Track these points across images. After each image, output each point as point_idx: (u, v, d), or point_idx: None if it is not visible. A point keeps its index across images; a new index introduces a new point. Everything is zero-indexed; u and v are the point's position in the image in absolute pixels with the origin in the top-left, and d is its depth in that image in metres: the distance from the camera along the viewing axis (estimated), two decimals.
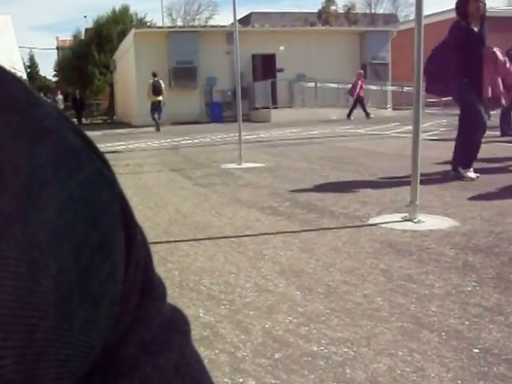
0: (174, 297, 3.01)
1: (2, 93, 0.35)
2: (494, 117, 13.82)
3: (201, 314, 2.82)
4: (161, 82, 20.92)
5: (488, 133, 13.25)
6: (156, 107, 20.88)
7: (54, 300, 0.32)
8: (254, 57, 27.34)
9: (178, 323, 0.49)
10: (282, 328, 2.62)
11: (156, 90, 20.77)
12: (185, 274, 3.44)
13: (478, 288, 3.05)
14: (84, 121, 33.74)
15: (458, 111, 7.26)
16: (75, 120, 30.86)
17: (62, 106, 32.35)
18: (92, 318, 0.35)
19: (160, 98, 20.71)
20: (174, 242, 4.13)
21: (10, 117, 0.34)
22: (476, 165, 6.97)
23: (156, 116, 20.79)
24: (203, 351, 2.41)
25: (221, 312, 2.85)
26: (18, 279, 0.30)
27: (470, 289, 3.04)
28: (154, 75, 20.94)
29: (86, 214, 0.35)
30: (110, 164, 0.42)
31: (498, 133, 12.18)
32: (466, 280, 3.18)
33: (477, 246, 3.83)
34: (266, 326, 2.66)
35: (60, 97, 34.16)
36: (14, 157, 0.33)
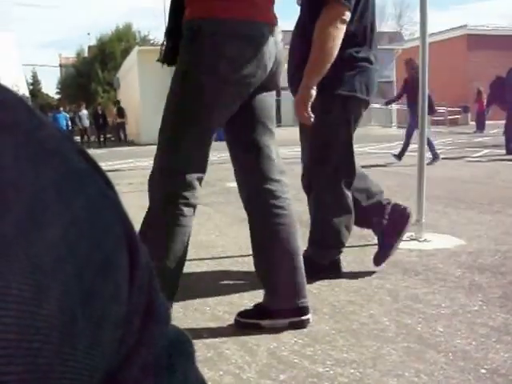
0: (177, 317, 2.99)
1: (5, 114, 0.35)
2: (500, 136, 13.84)
3: (205, 335, 2.80)
4: (123, 108, 28.95)
5: (492, 151, 13.30)
6: (121, 127, 29.35)
7: (58, 323, 0.32)
8: None
9: (181, 346, 0.50)
10: (287, 349, 2.60)
11: (120, 113, 29.32)
12: (189, 295, 3.43)
13: (484, 307, 3.02)
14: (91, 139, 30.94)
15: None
16: (97, 139, 29.78)
17: (86, 122, 29.86)
18: (95, 341, 0.35)
19: (124, 119, 29.34)
20: None
21: (13, 139, 0.34)
22: (480, 184, 6.94)
23: (121, 133, 29.45)
24: (207, 372, 2.39)
25: (225, 332, 2.84)
26: (21, 303, 0.30)
27: (476, 308, 3.02)
28: (118, 102, 29.57)
29: (89, 236, 0.35)
30: (114, 183, 0.42)
31: (504, 151, 12.19)
32: (473, 299, 3.15)
33: (483, 265, 3.81)
34: (271, 346, 2.64)
35: (84, 112, 29.99)
36: (17, 179, 0.32)
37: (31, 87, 58.19)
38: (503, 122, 13.35)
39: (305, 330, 2.82)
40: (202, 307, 3.21)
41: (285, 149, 14.81)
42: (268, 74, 2.68)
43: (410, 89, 10.69)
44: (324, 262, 3.67)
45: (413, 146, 9.87)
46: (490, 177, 8.71)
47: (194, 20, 2.55)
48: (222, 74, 2.53)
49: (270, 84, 2.76)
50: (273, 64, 2.67)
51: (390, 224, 3.69)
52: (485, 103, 21.41)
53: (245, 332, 2.82)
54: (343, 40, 3.23)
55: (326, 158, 3.56)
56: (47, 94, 69.13)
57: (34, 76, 69.49)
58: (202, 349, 2.62)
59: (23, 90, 20.50)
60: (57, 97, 59.25)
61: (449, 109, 30.45)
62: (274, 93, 2.85)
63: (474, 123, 26.21)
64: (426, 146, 4.64)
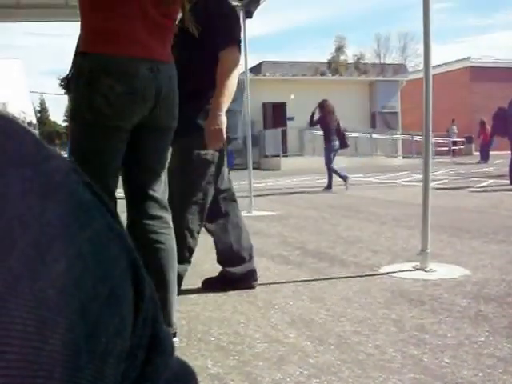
0: (181, 347, 2.98)
1: (13, 147, 0.35)
2: (504, 166, 13.86)
3: (209, 365, 2.78)
4: None
5: (496, 181, 13.30)
6: None
7: (62, 358, 0.31)
8: (264, 105, 27.61)
9: (185, 378, 0.49)
10: (292, 380, 2.58)
11: None
12: (193, 324, 3.41)
13: (491, 338, 3.00)
14: None
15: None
16: None
17: None
18: (99, 375, 0.34)
19: None
20: (183, 290, 4.11)
21: (21, 171, 0.34)
22: (484, 214, 6.92)
23: None
24: None
25: (229, 363, 2.82)
26: (25, 339, 0.30)
27: (482, 339, 2.99)
28: None
29: (94, 270, 0.35)
30: (120, 215, 0.42)
31: (508, 181, 12.19)
32: (479, 330, 3.13)
33: (489, 294, 3.79)
34: (276, 377, 2.61)
35: None
36: (24, 212, 0.32)
37: (39, 115, 58.37)
38: (507, 152, 13.38)
39: (310, 360, 2.80)
40: (206, 337, 3.19)
41: (288, 179, 14.87)
42: (151, 111, 2.76)
43: (325, 126, 12.95)
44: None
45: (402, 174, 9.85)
46: (495, 206, 8.69)
47: (77, 56, 2.71)
48: (97, 109, 2.63)
49: (155, 122, 2.82)
50: (154, 100, 2.74)
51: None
52: (489, 134, 21.52)
53: (249, 363, 2.80)
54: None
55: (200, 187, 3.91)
56: (55, 122, 69.42)
57: (42, 103, 69.88)
58: (207, 380, 2.60)
59: (31, 117, 20.59)
60: (64, 124, 59.51)
61: (452, 139, 30.53)
62: (165, 133, 2.93)
63: (477, 153, 26.27)
64: (430, 176, 4.63)
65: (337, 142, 12.77)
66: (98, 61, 2.61)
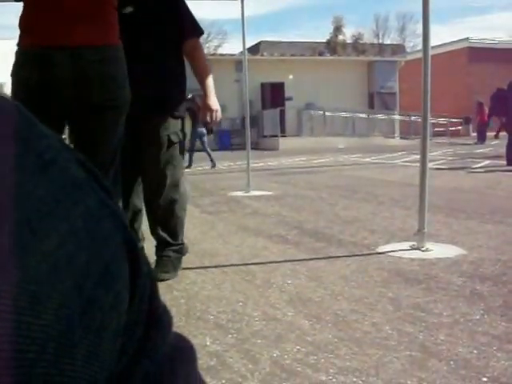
0: (180, 325, 3.00)
1: (4, 124, 0.35)
2: (501, 147, 13.87)
3: (208, 343, 2.81)
4: None
5: (494, 162, 13.31)
6: None
7: (55, 333, 0.32)
8: (262, 85, 27.50)
9: (183, 353, 0.50)
10: (290, 357, 2.61)
11: None
12: (192, 303, 3.44)
13: (485, 316, 3.04)
14: None
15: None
16: None
17: None
18: (94, 350, 0.34)
19: None
20: (181, 269, 4.14)
21: (10, 149, 0.34)
22: (481, 194, 6.95)
23: None
24: (210, 381, 2.39)
25: (228, 341, 2.84)
26: (16, 313, 0.30)
27: (477, 317, 3.03)
28: None
29: (87, 246, 0.35)
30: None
31: (505, 162, 12.20)
32: (474, 308, 3.16)
33: (484, 274, 3.82)
34: (274, 355, 2.65)
35: None
36: (14, 189, 0.32)
37: None
38: (504, 133, 13.40)
39: (308, 338, 2.83)
40: (204, 315, 3.22)
41: (287, 159, 14.90)
42: (81, 93, 2.80)
43: (193, 116, 15.25)
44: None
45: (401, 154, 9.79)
46: (491, 187, 8.72)
47: None
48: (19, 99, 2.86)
49: (89, 101, 2.85)
50: (77, 84, 2.79)
51: None
52: (486, 115, 21.51)
53: (248, 340, 2.83)
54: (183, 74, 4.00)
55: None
56: None
57: None
58: (205, 357, 2.63)
59: None
60: None
61: (450, 120, 30.47)
62: (100, 111, 2.90)
63: (475, 134, 26.25)
64: (427, 157, 4.64)
65: (204, 130, 15.48)
66: (18, 54, 2.85)
